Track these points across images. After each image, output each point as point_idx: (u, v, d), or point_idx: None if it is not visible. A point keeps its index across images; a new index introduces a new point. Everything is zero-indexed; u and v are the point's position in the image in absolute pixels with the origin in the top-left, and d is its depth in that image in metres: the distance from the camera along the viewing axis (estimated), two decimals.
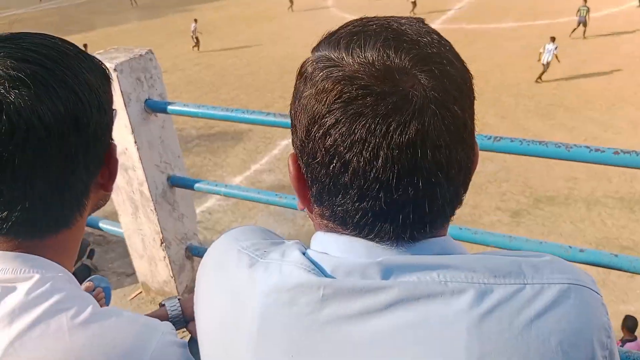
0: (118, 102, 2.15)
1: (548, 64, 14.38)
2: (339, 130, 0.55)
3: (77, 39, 24.05)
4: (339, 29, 0.62)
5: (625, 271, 1.68)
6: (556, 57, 14.46)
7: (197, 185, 2.24)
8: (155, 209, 2.25)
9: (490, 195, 9.27)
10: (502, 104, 13.22)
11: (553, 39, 14.70)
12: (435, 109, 0.54)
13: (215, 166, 11.11)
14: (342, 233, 0.62)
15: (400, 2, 25.42)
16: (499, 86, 14.32)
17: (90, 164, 0.72)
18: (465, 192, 0.62)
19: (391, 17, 0.64)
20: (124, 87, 2.13)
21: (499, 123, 12.11)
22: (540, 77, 14.48)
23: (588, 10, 17.84)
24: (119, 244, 3.01)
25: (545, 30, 19.09)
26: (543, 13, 21.24)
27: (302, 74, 0.62)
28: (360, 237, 0.60)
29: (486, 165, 9.86)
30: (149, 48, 2.26)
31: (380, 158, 0.54)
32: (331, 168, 0.57)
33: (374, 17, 0.64)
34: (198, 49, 20.27)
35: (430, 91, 0.54)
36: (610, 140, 10.94)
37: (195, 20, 20.54)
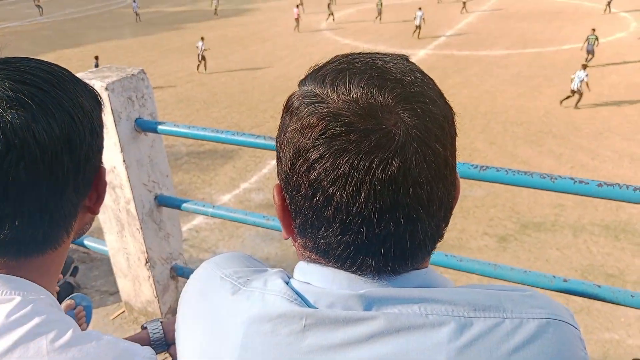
0: (108, 121, 2.15)
1: (579, 90, 14.52)
2: (323, 164, 0.56)
3: (71, 53, 24.14)
4: (325, 65, 0.64)
5: (608, 302, 1.69)
6: (587, 84, 14.57)
7: (184, 205, 2.24)
8: (141, 228, 2.23)
9: (477, 220, 9.32)
10: (491, 129, 13.37)
11: (584, 67, 14.85)
12: (416, 146, 0.55)
13: (203, 184, 11.08)
14: (324, 264, 0.62)
15: (391, 27, 25.79)
16: (488, 112, 14.50)
17: (80, 186, 0.73)
18: (446, 226, 0.63)
19: (376, 53, 0.65)
20: (115, 105, 2.13)
21: (487, 148, 12.24)
22: (567, 101, 14.66)
23: (597, 39, 18.08)
24: (103, 261, 2.98)
25: (535, 58, 19.44)
26: (533, 42, 21.64)
27: (288, 108, 0.63)
28: (342, 269, 0.61)
29: (474, 190, 9.93)
30: (141, 68, 2.27)
31: (363, 193, 0.55)
32: (314, 201, 0.58)
33: (360, 53, 0.65)
34: (205, 69, 19.82)
35: (412, 129, 0.55)
36: (597, 168, 11.09)
37: (202, 39, 20.02)
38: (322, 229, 0.60)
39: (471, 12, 28.24)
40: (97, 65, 18.42)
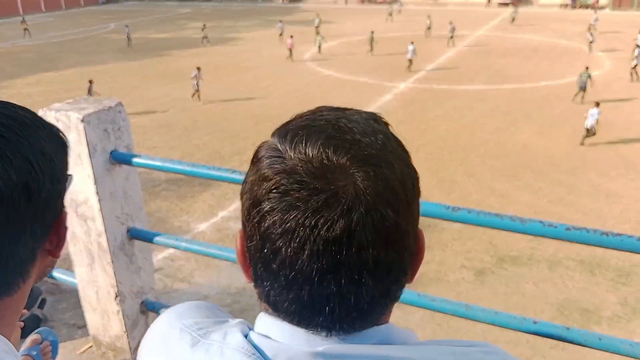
0: (83, 153, 2.14)
1: (592, 127, 14.61)
2: (273, 217, 0.57)
3: (52, 77, 24.03)
4: (293, 119, 0.66)
5: (577, 344, 1.70)
6: (597, 121, 14.64)
7: (157, 238, 2.21)
8: (112, 261, 2.20)
9: (455, 253, 9.36)
10: (469, 162, 13.55)
11: (597, 104, 14.92)
12: (364, 210, 0.56)
13: (181, 212, 10.98)
14: (281, 319, 0.62)
15: (374, 59, 26.22)
16: (467, 145, 14.71)
17: (38, 232, 0.72)
18: (400, 288, 0.63)
19: (347, 110, 0.66)
20: (90, 138, 2.12)
21: (466, 181, 12.38)
22: (584, 140, 14.73)
23: (589, 77, 18.30)
24: (72, 293, 2.91)
25: (513, 93, 19.89)
26: (510, 77, 22.16)
27: (254, 158, 0.64)
28: (294, 324, 0.61)
29: (452, 222, 9.99)
30: (118, 100, 2.27)
31: (307, 251, 0.56)
32: (263, 253, 0.59)
33: (331, 109, 0.67)
34: (199, 98, 19.54)
35: (361, 192, 0.56)
36: (574, 203, 11.27)
37: (198, 69, 19.67)
38: (269, 282, 0.60)
39: (451, 47, 28.87)
40: (90, 89, 18.23)
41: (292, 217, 0.56)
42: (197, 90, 19.63)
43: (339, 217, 0.55)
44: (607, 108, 17.84)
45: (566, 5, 46.80)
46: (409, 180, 0.61)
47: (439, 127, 16.20)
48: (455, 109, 18.10)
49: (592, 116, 14.66)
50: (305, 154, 0.58)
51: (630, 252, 1.59)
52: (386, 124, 0.66)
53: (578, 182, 12.45)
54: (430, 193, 11.48)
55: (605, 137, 15.20)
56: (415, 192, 0.63)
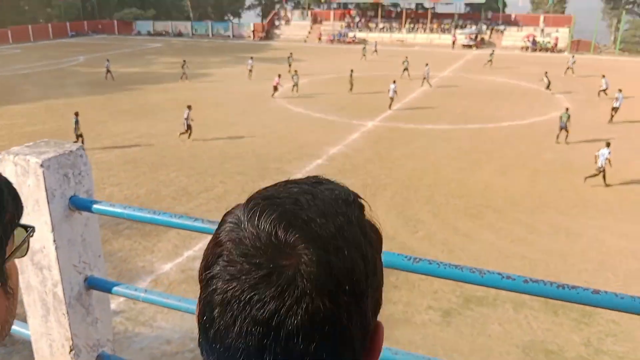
0: (41, 197, 2.09)
1: (602, 167, 14.81)
2: (216, 284, 0.57)
3: (16, 109, 23.56)
4: (264, 189, 0.65)
5: None
6: (609, 161, 14.82)
7: (115, 288, 2.16)
8: (67, 312, 2.13)
9: (422, 293, 9.37)
10: (434, 201, 13.74)
11: (608, 145, 15.15)
12: (298, 296, 0.54)
13: (145, 251, 10.72)
14: None
15: (344, 97, 26.63)
16: (432, 184, 14.95)
17: None
18: None
19: (321, 184, 0.64)
20: (49, 183, 2.08)
21: (431, 220, 12.52)
22: (590, 177, 14.97)
23: (569, 117, 18.83)
24: (25, 345, 2.79)
25: (476, 133, 20.41)
26: (474, 118, 22.78)
27: (224, 217, 0.64)
28: None
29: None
30: (80, 144, 2.24)
31: (237, 327, 0.55)
32: (203, 319, 0.58)
33: (304, 182, 0.64)
34: (189, 137, 18.99)
35: (300, 276, 0.54)
36: (534, 242, 11.49)
37: (189, 107, 19.05)
38: (206, 352, 0.59)
39: (425, 86, 29.57)
40: (77, 122, 17.77)
41: (230, 287, 0.55)
42: (186, 131, 19.02)
43: (271, 298, 0.53)
44: (566, 148, 18.49)
45: (527, 48, 48.90)
46: (360, 272, 0.58)
47: (405, 166, 16.45)
48: (421, 148, 18.45)
49: (602, 156, 14.90)
50: (257, 226, 0.57)
51: (584, 304, 1.62)
52: (360, 207, 0.63)
53: (538, 221, 12.72)
54: (396, 232, 11.54)
55: (563, 176, 15.68)
56: (369, 284, 0.59)
